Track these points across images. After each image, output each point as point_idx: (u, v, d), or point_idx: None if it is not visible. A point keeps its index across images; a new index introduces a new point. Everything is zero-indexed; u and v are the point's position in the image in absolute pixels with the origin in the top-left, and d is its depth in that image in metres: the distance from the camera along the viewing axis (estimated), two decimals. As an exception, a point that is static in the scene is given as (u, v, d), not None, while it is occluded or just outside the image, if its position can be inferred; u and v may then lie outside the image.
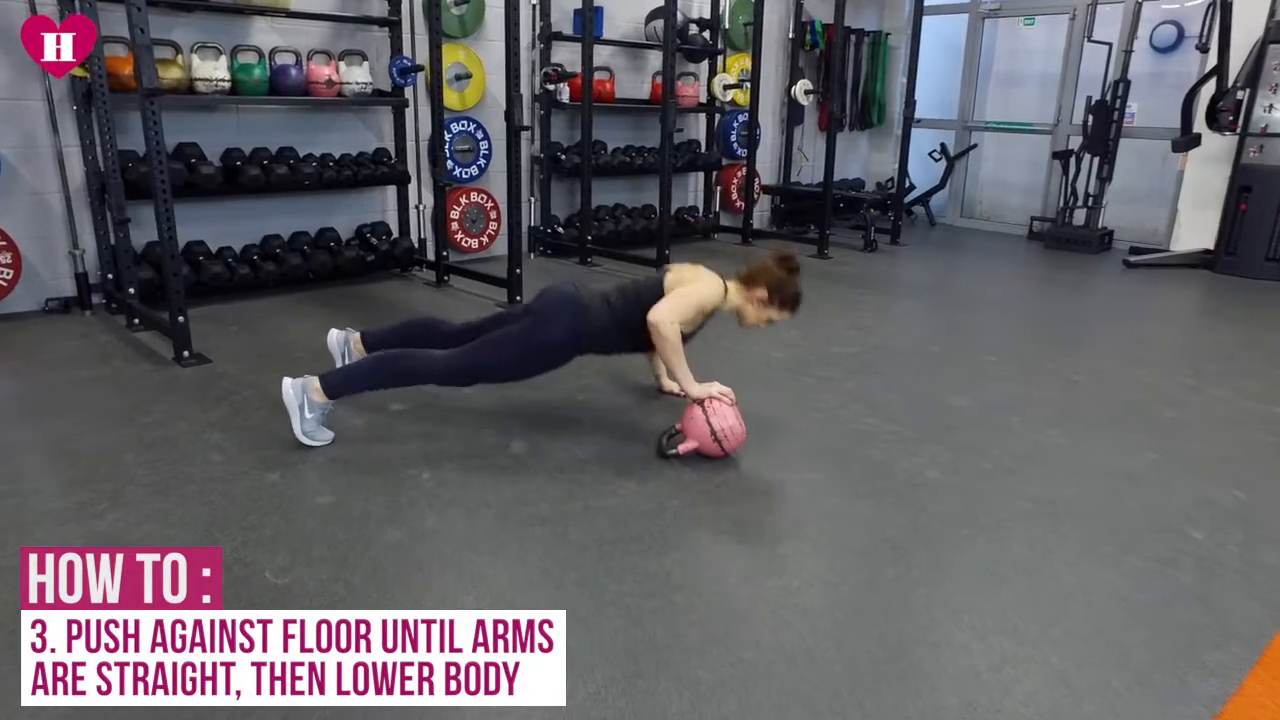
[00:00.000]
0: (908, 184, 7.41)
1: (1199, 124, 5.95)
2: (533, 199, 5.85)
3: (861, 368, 3.59)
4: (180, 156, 4.20)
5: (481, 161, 5.49)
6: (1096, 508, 2.36)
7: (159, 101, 3.14)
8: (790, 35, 7.31)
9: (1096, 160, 6.66)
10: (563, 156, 5.75)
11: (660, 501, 2.31)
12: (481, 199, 5.55)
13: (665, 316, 2.55)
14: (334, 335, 2.99)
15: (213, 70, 4.15)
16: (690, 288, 2.65)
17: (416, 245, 5.17)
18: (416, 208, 5.21)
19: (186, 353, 3.37)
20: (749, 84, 6.58)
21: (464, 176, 5.43)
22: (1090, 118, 6.59)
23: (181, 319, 3.33)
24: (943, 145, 7.84)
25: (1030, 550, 2.11)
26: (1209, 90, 5.88)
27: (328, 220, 4.90)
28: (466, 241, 5.54)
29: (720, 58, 6.71)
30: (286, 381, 2.56)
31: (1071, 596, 1.92)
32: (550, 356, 2.68)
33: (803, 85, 7.20)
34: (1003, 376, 3.52)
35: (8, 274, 3.95)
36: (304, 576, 1.89)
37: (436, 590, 1.87)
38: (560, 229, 5.91)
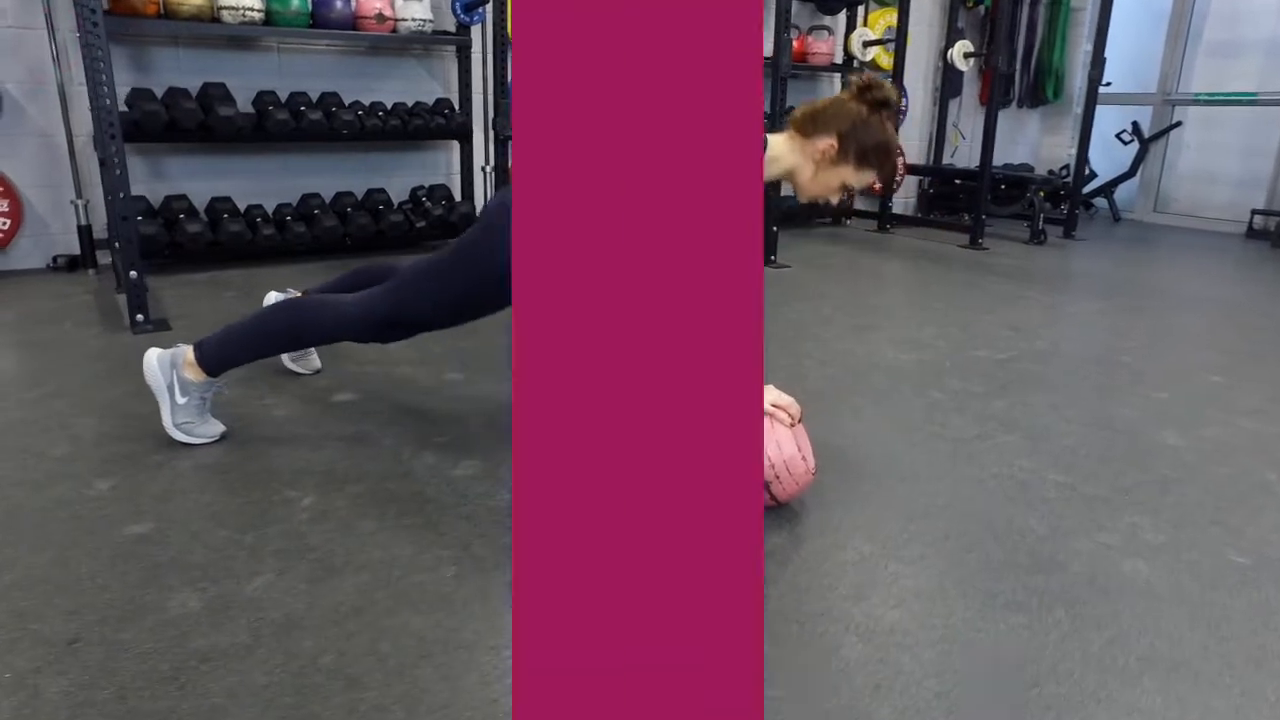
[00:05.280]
0: (1086, 170, 6.06)
1: None
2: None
3: (1017, 380, 2.52)
4: (203, 98, 3.64)
5: (564, 121, 4.70)
6: None
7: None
8: (949, -13, 6.16)
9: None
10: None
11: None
12: (562, 165, 4.76)
13: None
14: (272, 299, 2.24)
15: (241, -4, 3.57)
16: None
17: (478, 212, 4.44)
18: (482, 169, 4.48)
19: (141, 316, 2.73)
20: (894, 43, 5.50)
21: (542, 137, 4.65)
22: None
23: (134, 274, 2.70)
24: (1135, 124, 6.43)
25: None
26: None
27: (383, 181, 4.25)
28: (542, 213, 4.76)
29: (862, 9, 5.67)
30: (150, 354, 1.80)
31: None
32: (508, 278, 1.67)
33: (962, 47, 6.04)
34: (1238, 407, 2.37)
35: (4, 224, 3.49)
36: (-13, 673, 1.11)
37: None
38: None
